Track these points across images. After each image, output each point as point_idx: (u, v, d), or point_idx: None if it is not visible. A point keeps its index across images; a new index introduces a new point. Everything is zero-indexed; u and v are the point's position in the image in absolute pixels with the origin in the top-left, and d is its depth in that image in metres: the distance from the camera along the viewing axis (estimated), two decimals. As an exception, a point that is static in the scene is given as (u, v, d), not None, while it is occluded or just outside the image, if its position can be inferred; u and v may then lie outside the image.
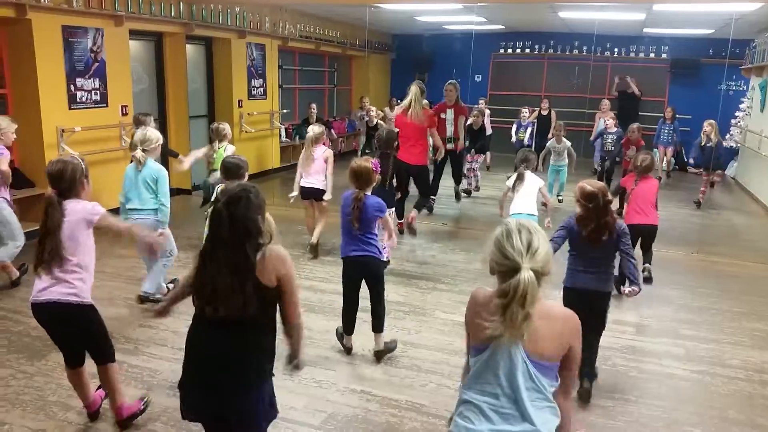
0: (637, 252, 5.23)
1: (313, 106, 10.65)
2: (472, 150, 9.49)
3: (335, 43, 12.29)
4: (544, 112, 11.25)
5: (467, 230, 7.87)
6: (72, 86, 6.97)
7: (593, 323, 3.46)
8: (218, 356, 2.30)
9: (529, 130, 10.36)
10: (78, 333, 3.19)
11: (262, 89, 10.59)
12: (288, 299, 2.37)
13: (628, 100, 12.12)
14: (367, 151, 9.64)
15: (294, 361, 2.58)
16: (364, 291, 4.19)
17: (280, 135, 11.43)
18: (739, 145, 11.68)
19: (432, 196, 8.48)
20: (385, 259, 4.29)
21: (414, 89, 6.72)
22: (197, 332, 2.37)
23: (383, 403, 3.68)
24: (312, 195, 6.30)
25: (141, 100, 8.34)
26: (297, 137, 11.56)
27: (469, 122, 8.98)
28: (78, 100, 7.06)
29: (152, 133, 4.83)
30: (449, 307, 5.17)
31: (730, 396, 3.94)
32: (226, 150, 6.23)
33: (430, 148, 7.64)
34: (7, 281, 5.32)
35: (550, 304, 1.91)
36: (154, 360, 4.12)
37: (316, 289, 5.49)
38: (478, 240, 7.24)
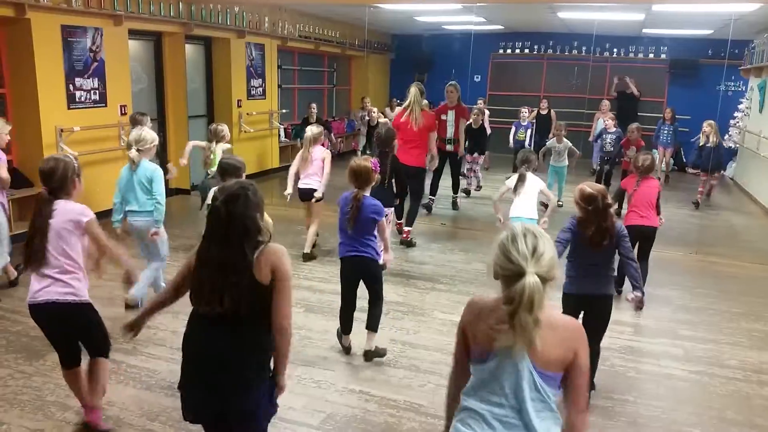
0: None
1: (313, 106, 10.64)
2: (475, 152, 9.47)
3: (334, 43, 12.30)
4: (543, 112, 11.25)
5: (466, 230, 7.87)
6: (71, 86, 6.96)
7: (594, 327, 3.43)
8: (217, 355, 2.29)
9: (528, 131, 10.35)
10: (77, 332, 3.20)
11: (261, 89, 10.59)
12: (279, 293, 2.27)
13: (627, 100, 12.13)
14: (368, 152, 9.63)
15: (276, 378, 2.39)
16: (363, 291, 4.19)
17: (279, 135, 11.43)
18: (737, 145, 11.69)
19: (431, 197, 8.50)
20: (381, 263, 4.26)
21: (413, 90, 6.72)
22: (195, 332, 2.36)
23: (382, 403, 3.69)
24: (309, 196, 6.29)
25: (140, 99, 8.34)
26: (299, 140, 11.54)
27: (468, 121, 8.97)
28: (77, 99, 7.06)
29: (147, 133, 4.74)
30: (448, 307, 5.18)
31: (728, 396, 3.94)
32: (222, 151, 6.22)
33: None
34: (5, 281, 5.32)
35: (553, 313, 1.88)
36: (152, 360, 4.12)
37: (315, 289, 5.49)
38: (477, 240, 7.25)
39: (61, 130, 6.78)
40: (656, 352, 4.51)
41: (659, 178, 8.19)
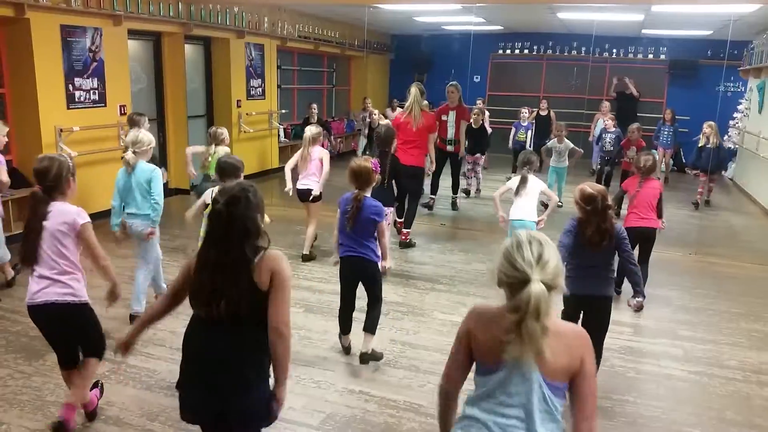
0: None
1: (314, 106, 10.64)
2: (476, 153, 9.46)
3: (334, 44, 12.30)
4: (543, 113, 11.24)
5: (466, 231, 7.87)
6: (70, 86, 6.96)
7: (594, 329, 3.42)
8: (217, 356, 2.29)
9: (529, 131, 10.33)
10: (75, 332, 3.19)
11: (260, 89, 10.59)
12: (278, 298, 2.25)
13: (627, 101, 12.12)
14: (367, 153, 9.63)
15: (276, 390, 2.32)
16: (363, 291, 4.19)
17: (279, 135, 11.43)
18: (737, 146, 11.70)
19: (432, 195, 8.51)
20: (381, 269, 4.21)
21: (414, 91, 6.71)
22: (195, 332, 2.36)
23: (381, 403, 3.68)
24: (308, 197, 6.29)
25: (139, 99, 8.34)
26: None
27: (469, 122, 8.95)
28: (76, 99, 7.06)
29: (144, 135, 4.68)
30: (447, 307, 5.18)
31: (728, 397, 3.94)
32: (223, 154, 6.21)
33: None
34: (2, 281, 5.32)
35: (557, 320, 1.87)
36: (152, 360, 4.11)
37: (315, 289, 5.49)
38: (477, 241, 7.26)
39: (61, 130, 6.78)
40: (656, 353, 4.51)
41: (658, 178, 8.20)
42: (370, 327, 4.11)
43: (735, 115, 12.00)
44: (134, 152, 4.56)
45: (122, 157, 4.71)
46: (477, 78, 13.65)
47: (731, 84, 12.36)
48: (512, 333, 1.72)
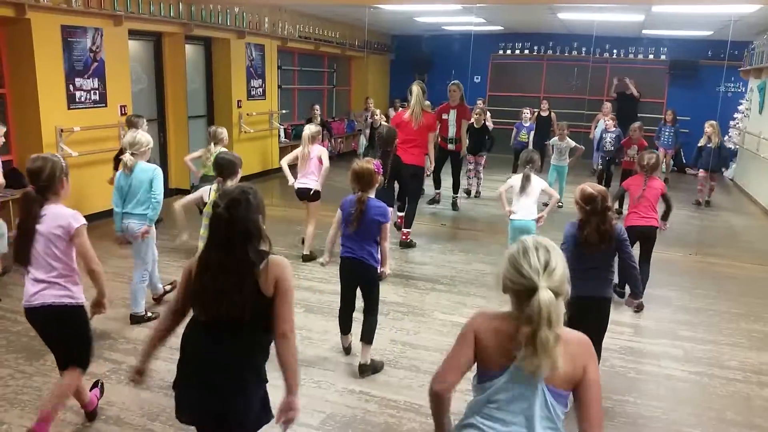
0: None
1: (316, 106, 10.63)
2: (478, 153, 9.46)
3: (334, 44, 12.30)
4: (544, 114, 11.23)
5: (466, 231, 7.87)
6: (71, 86, 6.96)
7: (593, 330, 3.41)
8: (216, 358, 2.29)
9: (531, 132, 10.32)
10: (73, 334, 3.17)
11: (261, 90, 10.60)
12: (283, 303, 2.25)
13: (627, 101, 12.12)
14: (369, 153, 9.64)
15: (288, 399, 2.27)
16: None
17: (279, 135, 11.43)
18: (737, 146, 11.70)
19: (437, 190, 8.54)
20: (379, 273, 4.12)
21: (416, 90, 6.70)
22: (195, 333, 2.36)
23: (382, 403, 3.68)
24: (307, 195, 6.29)
25: (140, 100, 8.34)
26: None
27: (470, 121, 8.94)
28: (77, 99, 7.06)
29: (142, 136, 4.65)
30: (448, 308, 5.18)
31: (728, 397, 3.94)
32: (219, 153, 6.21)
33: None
34: None
35: (563, 328, 1.84)
36: (152, 360, 4.09)
37: (315, 289, 5.49)
38: (477, 241, 7.25)
39: (61, 130, 6.78)
40: (656, 353, 4.51)
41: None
42: (367, 337, 4.03)
43: (735, 115, 12.00)
44: (132, 154, 4.55)
45: (115, 158, 4.66)
46: (477, 78, 13.66)
47: (732, 84, 12.37)
48: (529, 346, 1.70)
